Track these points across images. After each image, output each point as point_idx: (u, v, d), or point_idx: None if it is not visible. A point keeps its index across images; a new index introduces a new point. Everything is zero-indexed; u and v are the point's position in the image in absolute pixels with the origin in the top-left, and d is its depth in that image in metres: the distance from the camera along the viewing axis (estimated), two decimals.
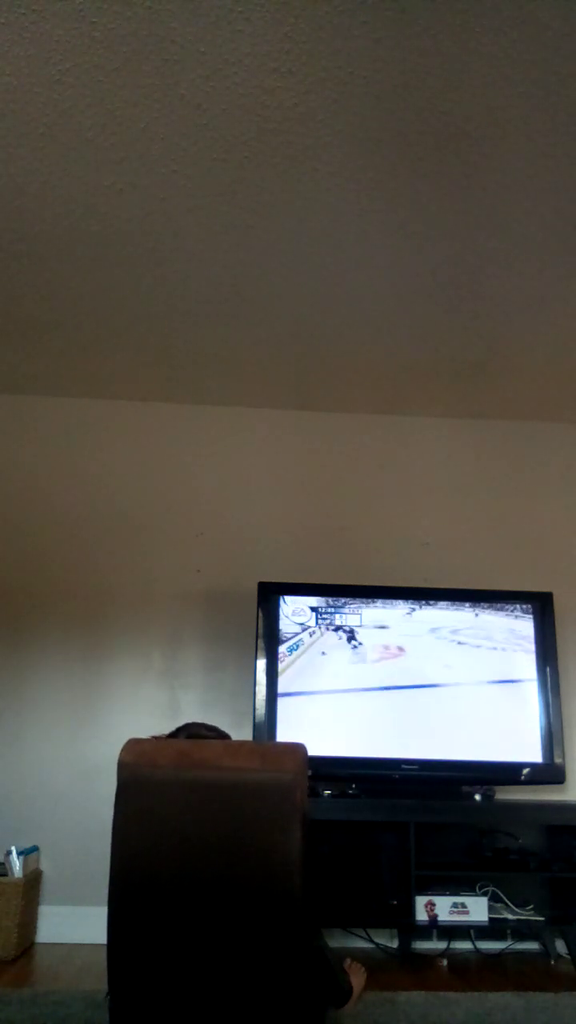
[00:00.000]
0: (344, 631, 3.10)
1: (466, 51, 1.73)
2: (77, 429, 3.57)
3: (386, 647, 3.13)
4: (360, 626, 3.14)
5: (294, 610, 3.14)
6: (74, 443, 3.55)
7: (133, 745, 1.67)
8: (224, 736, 2.19)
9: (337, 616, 3.15)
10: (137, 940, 1.58)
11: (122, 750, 1.66)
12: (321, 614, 3.14)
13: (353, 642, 3.10)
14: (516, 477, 3.66)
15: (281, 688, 2.94)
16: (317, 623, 3.08)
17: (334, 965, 2.06)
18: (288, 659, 2.92)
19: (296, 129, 1.96)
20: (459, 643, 3.17)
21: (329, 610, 3.15)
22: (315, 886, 1.78)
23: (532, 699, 3.12)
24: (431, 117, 1.92)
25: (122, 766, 1.64)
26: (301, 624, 3.07)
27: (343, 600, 3.18)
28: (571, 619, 3.47)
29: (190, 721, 2.41)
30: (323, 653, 2.98)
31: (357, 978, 2.28)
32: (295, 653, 2.94)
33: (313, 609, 3.15)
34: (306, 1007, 1.63)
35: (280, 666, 2.93)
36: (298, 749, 1.67)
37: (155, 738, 2.18)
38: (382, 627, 3.15)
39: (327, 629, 3.04)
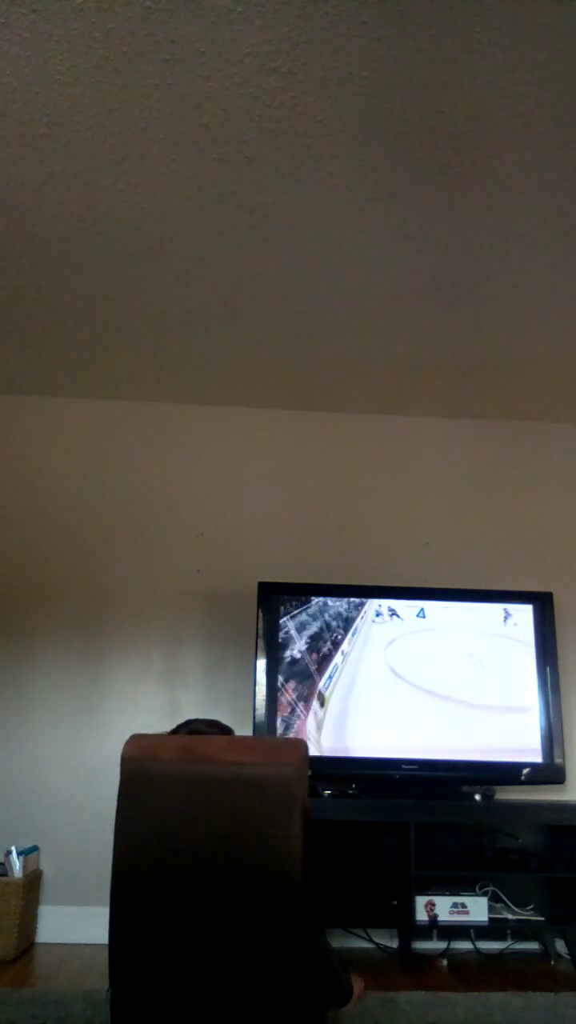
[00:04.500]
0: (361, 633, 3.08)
1: (466, 51, 1.73)
2: (77, 429, 3.57)
3: (386, 647, 3.13)
4: (359, 626, 3.14)
5: (295, 612, 3.14)
6: (74, 443, 3.55)
7: (136, 740, 1.70)
8: (227, 730, 2.22)
9: (336, 616, 3.15)
10: (139, 933, 1.59)
11: (125, 745, 1.69)
12: (323, 614, 3.14)
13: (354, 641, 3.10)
14: (516, 477, 3.66)
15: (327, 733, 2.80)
16: (334, 631, 3.04)
17: (335, 964, 2.06)
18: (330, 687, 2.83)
19: (296, 129, 1.96)
20: (459, 643, 3.17)
21: (330, 610, 3.15)
22: (316, 882, 1.80)
23: (532, 699, 3.12)
24: (431, 117, 1.92)
25: (125, 760, 1.66)
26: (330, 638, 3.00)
27: (343, 600, 3.18)
28: (571, 619, 3.46)
29: (192, 717, 2.41)
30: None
31: (356, 985, 2.25)
32: (335, 678, 2.84)
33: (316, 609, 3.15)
34: (306, 1003, 1.63)
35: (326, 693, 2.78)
36: (299, 744, 1.71)
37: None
38: (382, 626, 3.15)
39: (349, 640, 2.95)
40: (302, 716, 2.93)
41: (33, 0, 1.64)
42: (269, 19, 1.67)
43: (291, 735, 2.90)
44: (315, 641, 2.94)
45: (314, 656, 2.97)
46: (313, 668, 2.94)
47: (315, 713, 2.95)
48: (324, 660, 2.94)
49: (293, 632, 2.86)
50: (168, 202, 2.25)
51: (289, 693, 2.82)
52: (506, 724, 3.07)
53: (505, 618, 3.21)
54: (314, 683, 2.97)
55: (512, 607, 3.23)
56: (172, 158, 2.07)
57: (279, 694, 2.88)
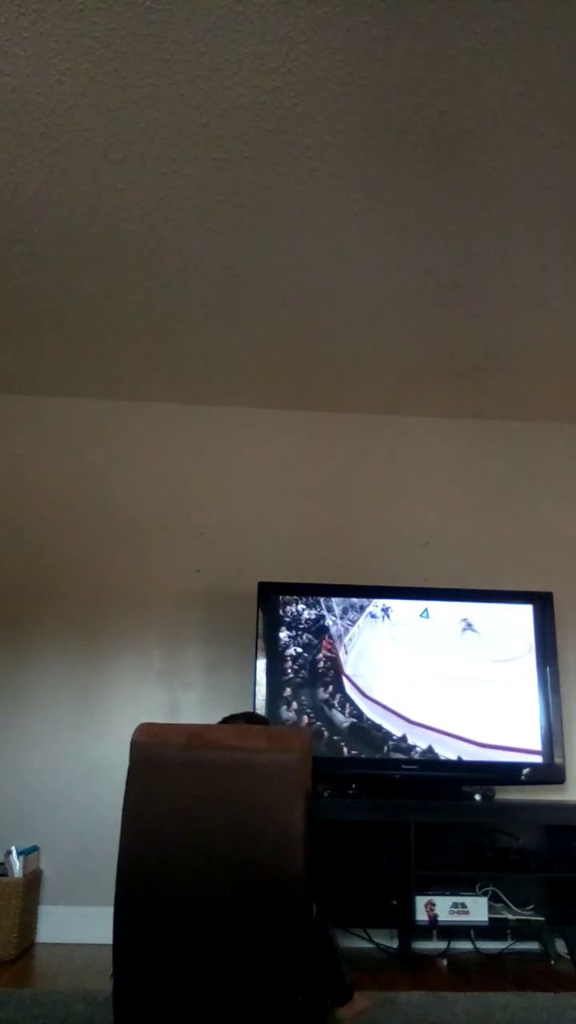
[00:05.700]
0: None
1: (466, 51, 1.73)
2: (77, 429, 3.57)
3: (386, 646, 3.14)
4: (360, 626, 3.15)
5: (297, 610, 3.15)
6: (74, 443, 3.55)
7: (146, 727, 1.76)
8: (262, 722, 2.29)
9: (336, 615, 3.16)
10: (143, 915, 1.63)
11: (135, 731, 1.75)
12: (325, 614, 3.16)
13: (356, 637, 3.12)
14: (516, 477, 3.66)
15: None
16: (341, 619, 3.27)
17: (339, 955, 2.06)
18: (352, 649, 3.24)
19: (296, 129, 1.96)
20: (459, 643, 3.17)
21: (332, 609, 3.17)
22: (319, 865, 1.84)
23: (532, 699, 3.12)
24: (431, 117, 1.92)
25: (135, 746, 1.71)
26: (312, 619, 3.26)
27: (343, 599, 3.18)
28: (571, 619, 3.46)
29: (233, 713, 2.48)
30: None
31: (362, 1000, 2.22)
32: (355, 642, 3.23)
33: (320, 610, 3.16)
34: (308, 988, 1.65)
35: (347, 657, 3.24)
36: (303, 731, 1.77)
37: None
38: (381, 627, 3.16)
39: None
40: (335, 655, 3.18)
41: (33, 0, 1.64)
42: (269, 19, 1.67)
43: (330, 664, 3.16)
44: (346, 612, 3.26)
45: (343, 621, 3.25)
46: (343, 629, 3.22)
47: (343, 651, 3.16)
48: (348, 627, 3.24)
49: (333, 605, 3.25)
50: (168, 202, 2.25)
51: (328, 646, 3.21)
52: (506, 724, 3.07)
53: (505, 618, 3.22)
54: (343, 636, 3.20)
55: (511, 607, 3.23)
56: (172, 158, 2.07)
57: (328, 641, 3.22)
